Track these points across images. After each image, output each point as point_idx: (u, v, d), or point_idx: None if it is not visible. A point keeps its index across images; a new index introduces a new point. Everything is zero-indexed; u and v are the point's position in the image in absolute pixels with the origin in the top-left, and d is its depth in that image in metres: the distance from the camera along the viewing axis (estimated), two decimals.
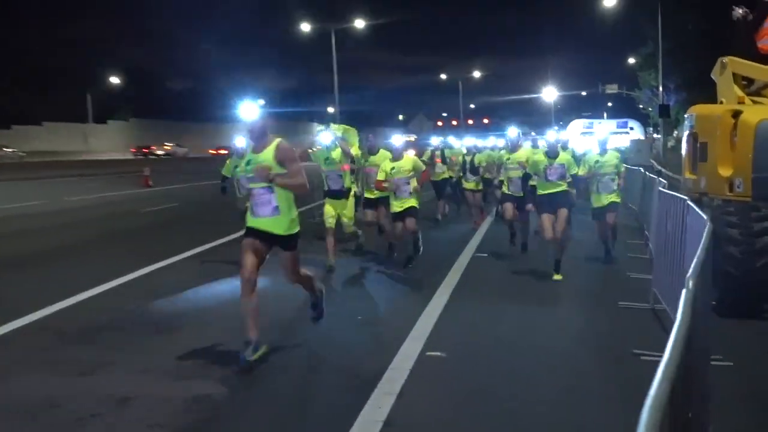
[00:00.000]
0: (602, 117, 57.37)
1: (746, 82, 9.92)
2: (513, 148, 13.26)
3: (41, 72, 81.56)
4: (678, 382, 1.60)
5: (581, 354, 6.74)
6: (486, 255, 12.53)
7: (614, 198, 11.85)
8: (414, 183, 11.21)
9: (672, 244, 7.44)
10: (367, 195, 12.51)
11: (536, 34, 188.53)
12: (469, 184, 17.22)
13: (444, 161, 19.06)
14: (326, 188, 11.44)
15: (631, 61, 55.33)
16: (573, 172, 10.95)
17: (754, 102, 9.53)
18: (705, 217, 4.80)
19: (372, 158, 12.27)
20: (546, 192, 10.72)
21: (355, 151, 12.14)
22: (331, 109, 78.29)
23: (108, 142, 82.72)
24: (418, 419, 5.26)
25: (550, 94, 77.59)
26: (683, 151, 11.04)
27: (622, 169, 12.74)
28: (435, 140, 19.73)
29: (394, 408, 5.29)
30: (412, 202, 11.18)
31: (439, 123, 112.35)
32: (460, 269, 11.12)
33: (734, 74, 9.87)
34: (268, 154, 6.60)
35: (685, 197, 7.22)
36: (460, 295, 9.17)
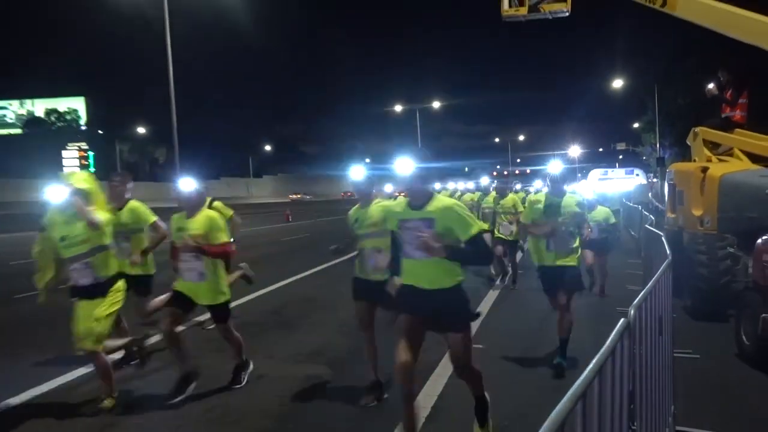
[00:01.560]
0: (615, 167, 55.49)
1: (712, 145, 9.57)
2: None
3: (219, 141, 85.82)
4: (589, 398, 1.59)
5: (579, 346, 6.55)
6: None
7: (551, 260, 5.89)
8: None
9: (654, 267, 7.24)
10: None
11: (564, 106, 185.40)
12: None
13: None
14: (72, 283, 4.89)
15: (636, 125, 53.70)
16: (464, 237, 3.65)
17: (720, 161, 9.20)
18: (668, 252, 4.65)
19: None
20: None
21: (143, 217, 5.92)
22: None
23: (263, 190, 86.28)
24: (463, 395, 5.25)
25: (574, 150, 76.25)
26: (666, 197, 10.70)
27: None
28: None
29: (446, 387, 5.30)
30: (210, 292, 5.17)
31: (494, 173, 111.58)
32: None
33: (704, 140, 9.55)
34: None
35: (661, 233, 7.00)
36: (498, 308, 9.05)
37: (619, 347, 2.08)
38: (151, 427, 4.67)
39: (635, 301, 2.57)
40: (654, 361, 3.22)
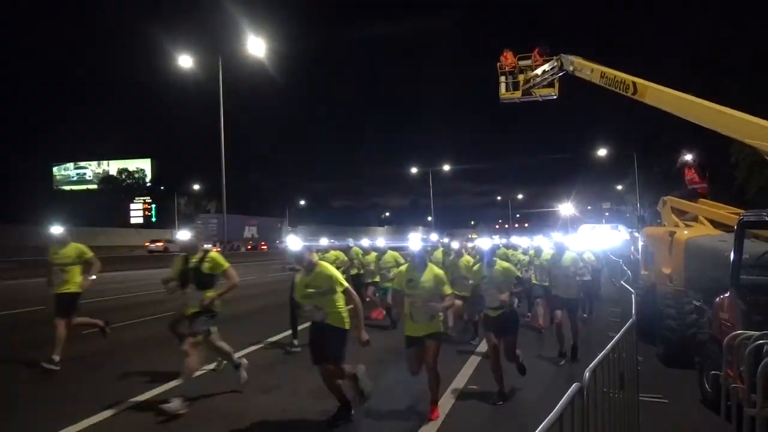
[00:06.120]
0: (601, 223, 54.95)
1: (679, 212, 9.58)
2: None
3: (262, 196, 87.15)
4: None
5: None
6: None
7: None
8: None
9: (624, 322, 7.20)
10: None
11: (557, 170, 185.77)
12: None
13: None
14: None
15: (619, 187, 53.67)
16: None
17: (687, 226, 9.18)
18: (633, 312, 4.66)
19: None
20: None
21: None
22: (429, 218, 79.03)
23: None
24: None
25: (565, 208, 75.75)
26: (640, 257, 10.63)
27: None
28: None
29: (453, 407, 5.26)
30: None
31: (497, 226, 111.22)
32: None
33: (672, 207, 9.57)
34: None
35: (633, 291, 6.99)
36: None
37: (569, 410, 2.12)
38: None
39: (591, 365, 2.59)
40: (615, 412, 3.23)
